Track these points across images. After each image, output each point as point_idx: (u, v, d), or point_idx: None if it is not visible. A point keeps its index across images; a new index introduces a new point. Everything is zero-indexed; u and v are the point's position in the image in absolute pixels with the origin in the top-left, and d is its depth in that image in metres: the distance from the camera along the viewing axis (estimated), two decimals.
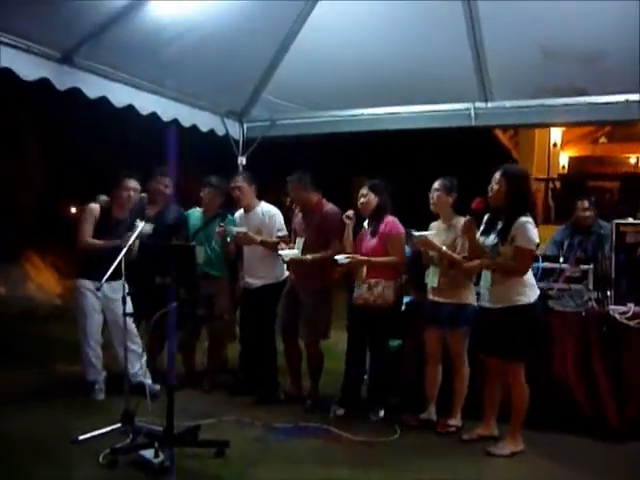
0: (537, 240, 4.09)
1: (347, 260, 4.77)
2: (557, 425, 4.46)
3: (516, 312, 4.08)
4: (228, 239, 5.34)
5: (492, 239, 4.18)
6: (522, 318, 4.08)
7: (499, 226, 4.15)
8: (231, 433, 4.28)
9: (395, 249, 4.81)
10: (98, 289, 4.47)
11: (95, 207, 5.08)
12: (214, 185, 5.52)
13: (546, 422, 4.42)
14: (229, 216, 5.49)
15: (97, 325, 5.03)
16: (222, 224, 5.33)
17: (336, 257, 4.78)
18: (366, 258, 4.81)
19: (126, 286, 4.32)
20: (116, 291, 4.60)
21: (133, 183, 5.08)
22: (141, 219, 4.74)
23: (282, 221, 5.34)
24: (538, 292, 4.20)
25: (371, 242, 4.87)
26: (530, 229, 4.03)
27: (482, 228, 4.32)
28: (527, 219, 4.04)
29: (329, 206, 5.16)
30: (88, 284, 4.89)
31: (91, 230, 5.00)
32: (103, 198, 5.19)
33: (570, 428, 4.44)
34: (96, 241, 4.95)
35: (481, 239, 4.28)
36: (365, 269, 4.82)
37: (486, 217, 4.32)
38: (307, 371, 5.28)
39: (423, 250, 4.71)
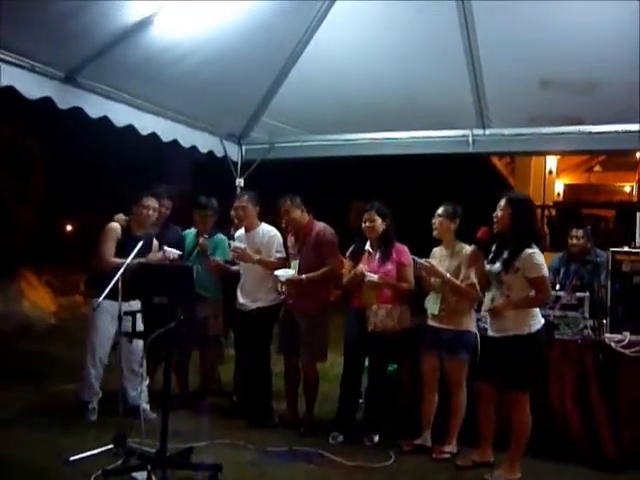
0: (545, 266, 4.12)
1: (377, 279, 4.75)
2: (553, 454, 4.43)
3: (521, 341, 4.07)
4: (217, 257, 5.36)
5: (497, 267, 4.20)
6: (527, 347, 4.07)
7: (504, 255, 4.17)
8: (224, 456, 4.23)
9: (409, 277, 4.85)
10: (95, 307, 4.44)
11: (116, 226, 5.03)
12: (206, 206, 5.53)
13: (542, 450, 4.40)
14: (220, 236, 5.51)
15: (107, 346, 4.94)
16: (205, 236, 5.33)
17: (366, 274, 4.74)
18: (393, 282, 4.81)
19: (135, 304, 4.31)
20: None
21: (152, 201, 5.07)
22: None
23: (281, 243, 5.31)
24: (543, 321, 4.20)
25: (385, 267, 4.83)
26: (537, 258, 4.06)
27: (490, 257, 4.33)
28: (533, 250, 4.07)
29: (321, 225, 5.18)
30: (106, 303, 4.55)
31: (113, 249, 4.93)
32: (121, 216, 5.15)
33: (566, 457, 4.42)
34: (119, 260, 4.70)
35: (487, 267, 4.30)
36: (375, 293, 4.80)
37: (494, 247, 4.33)
38: (302, 394, 5.24)
39: (424, 276, 4.72)
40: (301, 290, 5.02)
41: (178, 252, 5.08)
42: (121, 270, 4.20)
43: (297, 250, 5.18)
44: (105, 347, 4.95)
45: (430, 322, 4.68)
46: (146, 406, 4.88)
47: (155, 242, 5.13)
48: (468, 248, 4.53)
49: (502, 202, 4.22)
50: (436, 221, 4.71)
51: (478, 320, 4.65)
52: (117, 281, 4.20)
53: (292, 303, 5.11)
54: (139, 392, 4.86)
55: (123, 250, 4.83)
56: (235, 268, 5.47)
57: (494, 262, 4.25)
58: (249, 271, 5.30)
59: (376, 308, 4.77)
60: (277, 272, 5.03)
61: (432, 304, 4.67)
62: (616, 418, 4.43)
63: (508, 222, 4.16)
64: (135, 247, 4.51)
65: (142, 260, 4.64)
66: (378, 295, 4.80)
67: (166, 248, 5.12)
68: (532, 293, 4.10)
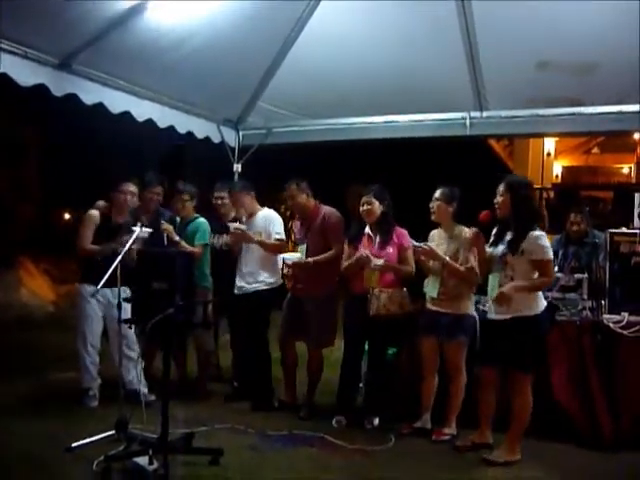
0: (551, 249, 4.14)
1: (382, 263, 4.74)
2: (552, 435, 4.46)
3: (523, 323, 4.09)
4: (197, 242, 5.34)
5: (500, 249, 4.20)
6: (529, 329, 4.09)
7: (507, 237, 4.18)
8: (225, 441, 4.27)
9: (410, 260, 4.83)
10: (93, 295, 4.48)
11: (95, 213, 5.09)
12: (183, 191, 5.51)
13: (541, 431, 4.42)
14: (200, 219, 5.49)
15: (96, 331, 5.00)
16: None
17: (372, 259, 4.71)
18: (397, 265, 4.80)
19: (126, 291, 4.38)
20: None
21: (131, 187, 5.09)
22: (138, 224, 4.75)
23: (280, 224, 5.30)
24: (545, 303, 4.21)
25: (386, 251, 4.81)
26: (544, 241, 4.08)
27: (491, 240, 4.35)
28: (539, 233, 4.09)
29: (327, 209, 5.17)
30: (90, 289, 4.71)
31: (91, 236, 5.00)
32: (101, 203, 5.18)
33: (565, 438, 4.45)
34: (94, 247, 4.97)
35: (489, 250, 4.31)
36: (377, 277, 4.79)
37: (495, 230, 4.35)
38: (303, 378, 5.25)
39: (423, 260, 4.72)
40: (309, 274, 5.03)
41: (148, 230, 5.03)
42: (119, 258, 4.19)
43: (304, 235, 5.18)
44: (94, 332, 4.99)
45: (429, 306, 4.69)
46: (145, 390, 4.89)
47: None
48: (467, 231, 4.52)
49: (501, 187, 4.23)
50: (434, 205, 4.70)
51: (477, 303, 4.66)
52: (101, 267, 4.22)
53: (300, 288, 5.11)
54: (136, 376, 4.88)
55: (102, 237, 4.96)
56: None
57: (496, 245, 4.26)
58: (248, 254, 5.29)
59: (378, 292, 4.76)
60: (284, 255, 5.06)
61: (431, 287, 4.67)
62: (614, 399, 4.46)
63: (509, 206, 4.17)
64: (115, 233, 4.75)
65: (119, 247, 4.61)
66: (380, 279, 4.79)
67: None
68: (535, 275, 4.11)
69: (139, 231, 4.57)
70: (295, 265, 5.07)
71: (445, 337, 4.59)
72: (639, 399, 4.44)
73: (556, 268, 4.87)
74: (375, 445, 4.43)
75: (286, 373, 5.31)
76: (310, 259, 5.01)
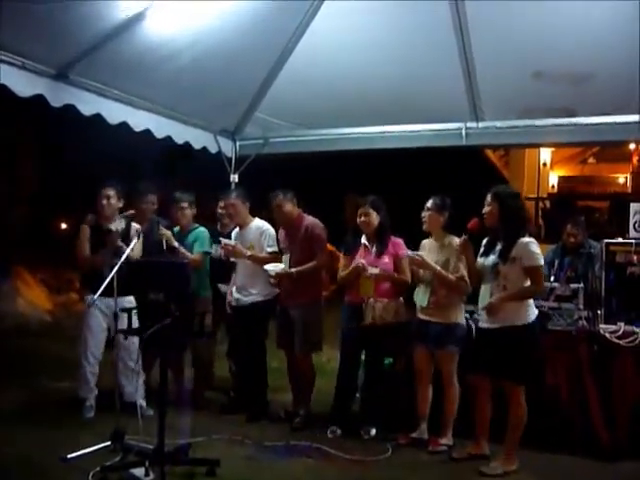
0: (542, 256, 4.16)
1: (378, 272, 4.76)
2: (549, 444, 4.45)
3: (515, 332, 4.09)
4: (195, 250, 5.34)
5: (492, 259, 4.21)
6: (520, 338, 4.09)
7: (498, 247, 4.20)
8: (222, 451, 4.25)
9: (406, 269, 4.84)
10: (89, 305, 4.47)
11: (85, 226, 5.13)
12: (181, 200, 5.51)
13: (538, 441, 4.42)
14: (200, 228, 5.49)
15: (100, 342, 4.98)
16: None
17: (367, 267, 4.75)
18: (393, 274, 4.82)
19: (132, 302, 4.40)
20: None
21: (109, 190, 5.08)
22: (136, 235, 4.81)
23: (273, 237, 5.33)
24: (536, 312, 4.22)
25: (382, 261, 4.83)
26: (534, 247, 4.10)
27: (482, 250, 4.36)
28: (529, 239, 4.12)
29: (310, 219, 5.20)
30: (97, 300, 4.55)
31: (87, 246, 5.04)
32: (90, 216, 5.20)
33: (562, 447, 4.44)
34: (93, 256, 4.99)
35: (480, 260, 4.32)
36: (373, 286, 4.80)
37: (485, 240, 4.37)
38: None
39: (414, 269, 4.73)
40: (292, 284, 5.06)
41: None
42: (115, 268, 4.19)
43: (288, 244, 5.20)
44: (98, 343, 4.98)
45: (419, 315, 4.70)
46: (143, 402, 4.88)
47: (136, 227, 5.09)
48: (457, 240, 4.53)
49: (488, 197, 4.27)
50: (425, 215, 4.72)
51: (473, 313, 4.66)
52: (111, 278, 4.19)
53: (285, 297, 5.14)
54: (136, 388, 4.87)
55: (96, 245, 5.01)
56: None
57: (487, 255, 4.27)
58: (243, 266, 5.32)
59: (373, 302, 4.78)
60: (266, 266, 5.08)
61: (421, 296, 4.69)
62: (611, 408, 4.46)
63: (497, 216, 4.20)
64: (106, 238, 4.82)
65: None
66: (376, 288, 4.80)
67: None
68: (527, 283, 4.12)
69: (135, 242, 4.61)
70: (278, 276, 5.10)
71: (435, 347, 4.59)
72: (636, 408, 4.44)
73: (552, 278, 4.89)
74: (372, 455, 4.42)
75: (293, 384, 5.31)
76: (293, 270, 5.04)
